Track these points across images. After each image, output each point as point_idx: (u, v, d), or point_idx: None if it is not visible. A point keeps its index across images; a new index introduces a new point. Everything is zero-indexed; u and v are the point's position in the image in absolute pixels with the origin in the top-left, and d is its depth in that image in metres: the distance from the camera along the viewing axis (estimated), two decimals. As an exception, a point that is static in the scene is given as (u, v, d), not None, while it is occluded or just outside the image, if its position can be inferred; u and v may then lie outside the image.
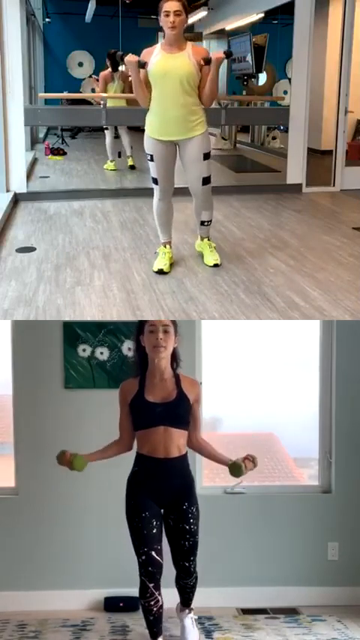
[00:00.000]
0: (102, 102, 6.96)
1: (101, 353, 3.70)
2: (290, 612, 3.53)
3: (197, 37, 11.98)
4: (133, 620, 3.37)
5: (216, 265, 4.25)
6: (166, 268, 4.21)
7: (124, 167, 8.60)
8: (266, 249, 4.81)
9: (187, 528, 2.73)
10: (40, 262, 4.49)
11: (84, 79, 13.06)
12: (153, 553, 2.63)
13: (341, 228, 5.50)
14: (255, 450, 3.62)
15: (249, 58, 10.14)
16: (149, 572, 2.64)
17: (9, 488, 3.72)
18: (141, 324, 2.75)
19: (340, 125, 7.14)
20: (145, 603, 2.67)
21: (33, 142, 10.09)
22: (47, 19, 13.03)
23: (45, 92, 11.76)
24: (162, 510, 2.77)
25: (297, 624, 3.37)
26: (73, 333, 3.68)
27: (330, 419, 3.85)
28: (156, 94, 3.82)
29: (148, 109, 3.89)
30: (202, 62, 3.74)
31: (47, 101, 10.46)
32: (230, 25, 10.49)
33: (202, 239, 4.40)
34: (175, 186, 4.11)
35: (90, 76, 12.17)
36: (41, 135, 11.44)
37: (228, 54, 3.90)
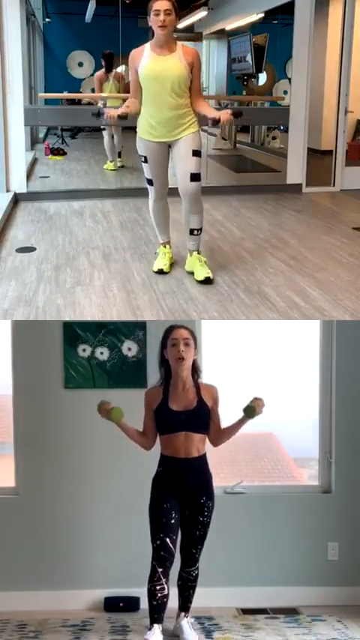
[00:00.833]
0: (102, 102, 6.96)
1: (101, 353, 3.70)
2: (290, 612, 3.53)
3: (197, 37, 11.96)
4: (133, 620, 3.37)
5: (207, 279, 3.97)
6: (166, 268, 4.21)
7: (123, 167, 8.62)
8: (266, 249, 4.81)
9: (201, 520, 2.94)
10: (40, 262, 4.49)
11: (84, 79, 13.06)
12: (167, 540, 2.82)
13: (341, 228, 5.51)
14: (255, 450, 3.63)
15: (249, 58, 10.13)
16: (161, 557, 2.81)
17: (9, 488, 3.71)
18: (164, 339, 2.94)
19: (340, 125, 7.15)
20: (152, 587, 2.81)
21: (33, 142, 10.08)
22: (47, 19, 13.02)
23: (45, 92, 11.75)
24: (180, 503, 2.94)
25: (297, 624, 3.37)
26: (73, 333, 3.68)
27: (330, 419, 3.85)
28: (147, 97, 3.79)
29: (139, 111, 3.85)
30: (209, 124, 3.67)
31: (47, 101, 10.45)
32: (230, 25, 10.49)
33: (190, 254, 4.14)
34: (172, 186, 4.08)
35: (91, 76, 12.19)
36: (41, 135, 11.42)
37: (237, 114, 3.78)
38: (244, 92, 10.79)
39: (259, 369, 3.90)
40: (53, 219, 5.77)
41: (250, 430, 4.19)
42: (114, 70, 8.57)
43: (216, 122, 3.76)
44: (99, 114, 3.85)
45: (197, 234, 4.09)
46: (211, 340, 3.84)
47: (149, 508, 2.92)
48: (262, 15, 9.42)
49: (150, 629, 2.84)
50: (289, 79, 8.45)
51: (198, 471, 2.94)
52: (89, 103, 7.37)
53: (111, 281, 4.10)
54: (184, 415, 2.89)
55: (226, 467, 3.96)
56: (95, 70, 12.41)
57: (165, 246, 4.29)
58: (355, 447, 3.79)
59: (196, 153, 3.86)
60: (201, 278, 4.00)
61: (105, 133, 8.52)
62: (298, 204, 6.48)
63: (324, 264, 4.44)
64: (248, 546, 3.71)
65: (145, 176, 4.05)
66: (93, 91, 11.80)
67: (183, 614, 3.06)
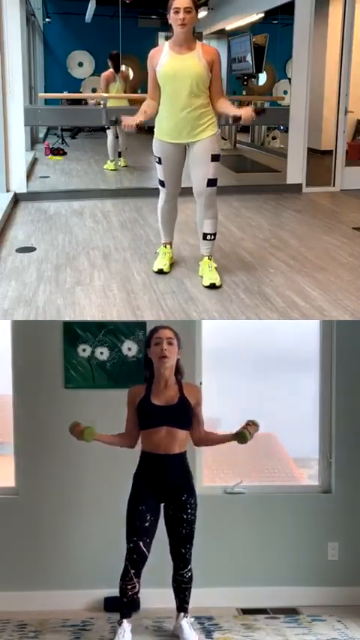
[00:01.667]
0: (102, 102, 6.97)
1: (101, 353, 3.70)
2: (290, 612, 3.53)
3: (197, 37, 11.98)
4: (133, 620, 3.36)
5: (212, 285, 3.92)
6: (166, 268, 4.20)
7: (123, 167, 8.63)
8: (266, 249, 4.81)
9: (185, 517, 2.93)
10: (40, 262, 4.49)
11: (84, 79, 13.06)
12: (140, 543, 2.86)
13: (341, 228, 5.51)
14: (255, 449, 3.63)
15: (249, 58, 10.14)
16: (133, 560, 2.86)
17: (9, 488, 3.71)
18: (149, 338, 2.97)
19: (340, 125, 7.15)
20: (123, 585, 2.89)
21: (33, 142, 10.09)
22: (47, 19, 13.03)
23: (45, 92, 11.76)
24: (162, 504, 2.95)
25: (297, 624, 3.37)
26: (73, 333, 3.68)
27: (330, 419, 3.85)
28: (165, 96, 3.73)
29: (157, 110, 3.81)
30: (229, 122, 3.61)
31: (47, 101, 10.46)
32: (230, 25, 10.50)
33: (202, 258, 4.11)
34: (182, 185, 4.05)
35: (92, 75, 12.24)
36: (41, 135, 11.44)
37: (258, 112, 3.66)
38: (244, 92, 10.80)
39: (259, 369, 3.90)
40: (53, 219, 5.78)
41: (250, 430, 4.20)
42: (121, 70, 8.62)
43: (237, 119, 3.68)
44: (116, 121, 3.80)
45: (210, 240, 4.04)
46: (211, 340, 3.84)
47: (127, 507, 2.93)
48: (262, 15, 9.44)
49: (120, 624, 2.94)
50: (289, 79, 8.46)
51: (177, 468, 2.92)
52: (98, 104, 7.38)
53: (111, 281, 4.10)
54: (165, 410, 2.89)
55: (226, 467, 3.96)
56: (95, 70, 12.47)
57: (166, 246, 4.28)
58: (355, 447, 3.79)
59: (215, 157, 3.80)
60: (206, 283, 3.97)
61: (109, 132, 8.55)
62: (298, 204, 6.48)
63: (324, 264, 4.44)
64: (248, 546, 3.71)
65: (157, 177, 3.99)
66: (93, 90, 11.83)
67: (182, 614, 3.06)
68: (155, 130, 3.88)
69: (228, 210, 5.96)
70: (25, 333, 3.68)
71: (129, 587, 2.89)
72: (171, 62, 3.67)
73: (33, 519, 3.65)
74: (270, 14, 9.49)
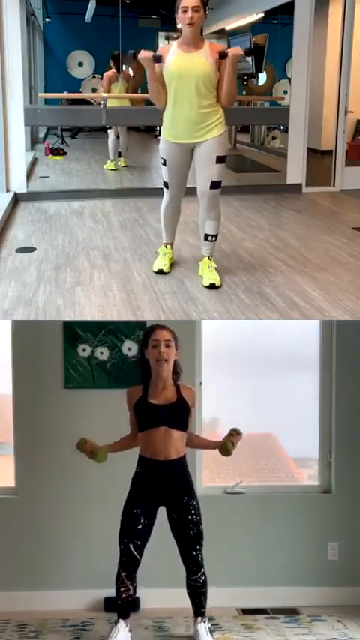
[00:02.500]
0: (102, 102, 6.97)
1: (101, 353, 3.70)
2: (290, 612, 3.53)
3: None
4: (133, 620, 3.36)
5: (212, 285, 3.90)
6: (165, 268, 4.20)
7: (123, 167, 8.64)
8: (266, 249, 4.81)
9: (190, 518, 2.90)
10: (40, 262, 4.49)
11: (84, 79, 13.07)
12: (131, 546, 2.86)
13: (341, 228, 5.51)
14: (255, 450, 3.63)
15: (249, 58, 10.14)
16: (123, 562, 2.88)
17: (9, 488, 3.71)
18: (146, 339, 2.93)
19: (340, 125, 7.15)
20: (117, 588, 2.92)
21: (33, 142, 10.09)
22: (47, 19, 13.03)
23: (45, 92, 11.76)
24: (162, 507, 2.92)
25: (297, 624, 3.37)
26: (73, 333, 3.68)
27: (330, 419, 3.85)
28: (171, 95, 3.69)
29: (164, 110, 3.78)
30: (216, 56, 3.56)
31: (47, 101, 10.46)
32: (230, 25, 10.49)
33: (202, 258, 4.10)
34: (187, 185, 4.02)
35: (94, 76, 12.22)
36: (41, 135, 11.44)
37: (248, 52, 3.59)
38: (244, 92, 10.79)
39: (259, 369, 3.90)
40: (53, 219, 5.78)
41: (250, 430, 4.20)
42: (123, 71, 8.64)
43: (223, 56, 3.58)
44: (134, 56, 3.70)
45: (212, 240, 4.03)
46: (211, 340, 3.84)
47: (122, 510, 2.92)
48: (262, 15, 9.44)
49: (116, 623, 2.94)
50: (289, 79, 8.46)
51: (176, 474, 2.89)
52: (98, 104, 7.39)
53: (111, 281, 4.10)
54: (163, 409, 2.86)
55: (226, 467, 3.96)
56: (95, 70, 12.47)
57: (167, 247, 4.28)
58: (355, 447, 3.79)
59: (221, 159, 3.76)
60: (206, 283, 3.96)
61: (110, 132, 8.56)
62: (298, 204, 6.48)
63: (324, 264, 4.44)
64: (248, 546, 3.71)
65: (162, 178, 3.97)
66: (93, 90, 11.82)
67: (199, 618, 3.01)
68: (162, 130, 3.86)
69: (228, 210, 5.96)
70: (25, 333, 3.68)
71: (122, 589, 2.89)
72: (177, 60, 3.63)
73: (33, 519, 3.65)
74: (270, 14, 9.49)
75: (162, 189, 4.04)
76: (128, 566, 2.87)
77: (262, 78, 10.99)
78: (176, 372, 2.95)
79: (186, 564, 2.93)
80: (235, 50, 3.60)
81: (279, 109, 9.03)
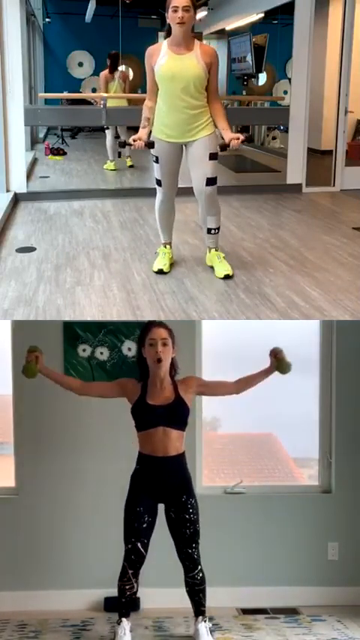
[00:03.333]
0: (102, 102, 6.97)
1: (101, 353, 3.70)
2: (290, 612, 3.53)
3: (197, 37, 11.97)
4: (133, 620, 3.36)
5: (227, 276, 4.03)
6: (165, 268, 4.20)
7: (123, 167, 8.63)
8: (266, 249, 4.81)
9: (187, 517, 2.91)
10: (40, 262, 4.49)
11: (84, 79, 13.07)
12: (138, 544, 2.87)
13: (341, 228, 5.50)
14: (255, 450, 3.63)
15: (249, 58, 10.15)
16: (131, 560, 2.88)
17: (9, 488, 3.72)
18: (142, 338, 2.93)
19: (340, 125, 7.14)
20: (122, 585, 2.91)
21: (33, 142, 10.10)
22: (47, 19, 13.03)
23: (45, 92, 11.77)
24: (164, 505, 2.94)
25: (297, 624, 3.37)
26: (73, 333, 3.68)
27: (330, 419, 3.85)
28: (163, 96, 3.73)
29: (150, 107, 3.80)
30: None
31: (47, 101, 10.47)
32: (230, 25, 10.50)
33: (209, 250, 4.21)
34: (180, 185, 4.06)
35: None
36: (41, 135, 11.45)
37: (248, 139, 3.75)
38: (244, 92, 10.80)
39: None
40: (53, 219, 5.77)
41: (250, 430, 4.20)
42: (120, 70, 8.62)
43: (224, 147, 3.72)
44: (125, 144, 3.86)
45: (215, 233, 4.13)
46: (211, 340, 3.84)
47: (124, 508, 2.92)
48: (262, 15, 9.44)
49: (119, 624, 2.94)
50: (289, 79, 8.47)
51: (176, 470, 2.91)
52: (98, 104, 7.38)
53: (111, 281, 4.10)
54: (161, 409, 2.87)
55: (226, 467, 3.96)
56: (95, 70, 12.47)
57: (166, 247, 4.28)
58: (355, 447, 3.79)
59: (213, 156, 3.82)
60: (220, 275, 4.05)
61: (108, 133, 8.54)
62: (298, 204, 6.48)
63: (324, 264, 4.44)
64: (248, 546, 3.71)
65: (154, 176, 4.00)
66: (93, 90, 11.82)
67: (200, 617, 3.01)
68: (153, 128, 3.88)
69: (228, 210, 5.96)
70: (25, 333, 3.68)
71: (127, 587, 2.90)
72: (169, 63, 3.67)
73: (33, 519, 3.65)
74: (270, 14, 9.49)
75: None
76: (136, 564, 2.89)
77: (262, 78, 11.00)
78: (174, 369, 2.95)
79: (182, 562, 2.95)
80: (235, 140, 3.68)
81: (279, 109, 9.04)
